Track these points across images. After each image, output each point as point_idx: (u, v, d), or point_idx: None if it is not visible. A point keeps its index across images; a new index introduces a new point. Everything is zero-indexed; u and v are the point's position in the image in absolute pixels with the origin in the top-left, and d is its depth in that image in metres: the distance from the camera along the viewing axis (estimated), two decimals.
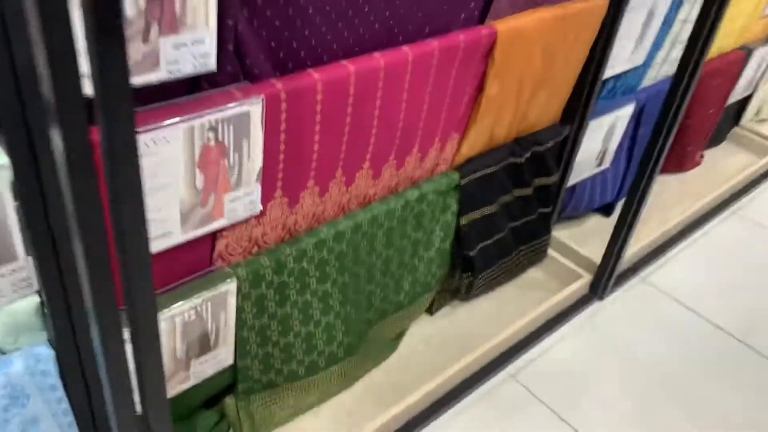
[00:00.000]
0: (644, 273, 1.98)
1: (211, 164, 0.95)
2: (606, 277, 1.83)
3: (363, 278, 1.38)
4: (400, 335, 1.60)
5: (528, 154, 1.60)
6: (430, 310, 1.69)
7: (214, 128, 0.92)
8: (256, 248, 1.16)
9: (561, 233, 1.95)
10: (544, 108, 1.59)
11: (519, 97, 1.47)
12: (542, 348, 1.69)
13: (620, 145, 1.96)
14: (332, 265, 1.27)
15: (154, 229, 0.95)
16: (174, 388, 1.15)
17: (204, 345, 1.15)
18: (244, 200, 1.04)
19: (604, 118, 1.78)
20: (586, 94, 1.63)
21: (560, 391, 1.57)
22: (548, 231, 1.82)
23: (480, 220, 1.55)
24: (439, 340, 1.65)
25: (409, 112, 1.22)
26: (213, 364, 1.19)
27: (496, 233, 1.63)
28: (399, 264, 1.45)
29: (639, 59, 1.75)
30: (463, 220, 1.52)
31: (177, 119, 0.88)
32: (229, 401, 1.30)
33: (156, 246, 0.97)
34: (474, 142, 1.47)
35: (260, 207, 1.07)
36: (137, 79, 0.79)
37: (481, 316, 1.73)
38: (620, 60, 1.66)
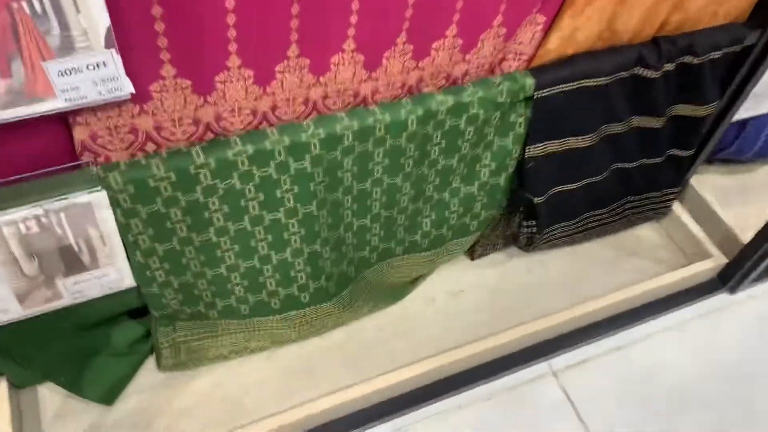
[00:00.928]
0: None
1: None
2: (751, 262, 1.23)
3: (348, 210, 0.95)
4: (414, 281, 1.18)
5: (671, 66, 1.00)
6: (471, 254, 1.23)
7: None
8: (152, 145, 0.76)
9: (701, 182, 1.34)
10: None
11: None
12: (614, 343, 1.19)
13: None
14: (286, 188, 0.85)
15: None
16: (36, 306, 0.84)
17: (73, 263, 0.81)
18: (90, 75, 0.63)
19: None
20: None
21: (616, 415, 1.10)
22: (679, 182, 1.23)
23: (560, 155, 1.02)
24: (470, 297, 1.21)
25: None
26: (99, 285, 0.87)
27: (587, 176, 1.10)
28: (414, 197, 0.99)
29: None
30: (531, 151, 1.00)
31: None
32: (154, 320, 0.99)
33: None
34: (572, 34, 0.90)
35: (129, 88, 0.65)
36: None
37: (542, 277, 1.25)
38: None
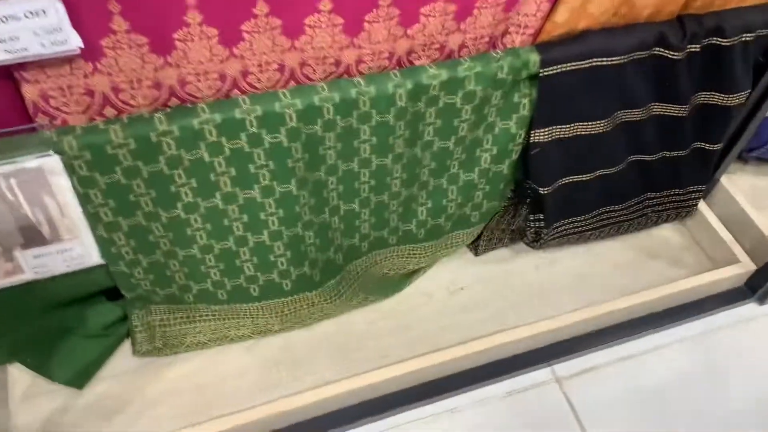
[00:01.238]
0: None
1: None
2: None
3: (333, 192, 0.88)
4: (411, 275, 1.11)
5: (695, 48, 0.91)
6: (475, 249, 1.15)
7: None
8: (112, 110, 0.70)
9: (733, 182, 1.23)
10: None
11: None
12: (626, 352, 1.10)
13: None
14: (261, 164, 0.79)
15: None
16: None
17: (32, 235, 0.76)
18: (30, 24, 0.58)
19: None
20: None
21: (624, 429, 1.01)
22: (705, 179, 1.13)
23: (569, 141, 0.94)
24: (471, 294, 1.13)
25: None
26: (62, 260, 0.82)
27: (599, 167, 1.01)
28: (408, 181, 0.92)
29: None
30: (537, 136, 0.92)
31: None
32: (128, 302, 0.94)
33: None
34: (582, 6, 0.82)
35: (76, 41, 0.60)
36: None
37: (551, 276, 1.16)
38: None
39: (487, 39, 0.81)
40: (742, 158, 1.31)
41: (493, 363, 1.05)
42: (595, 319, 1.08)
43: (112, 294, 0.96)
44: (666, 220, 1.20)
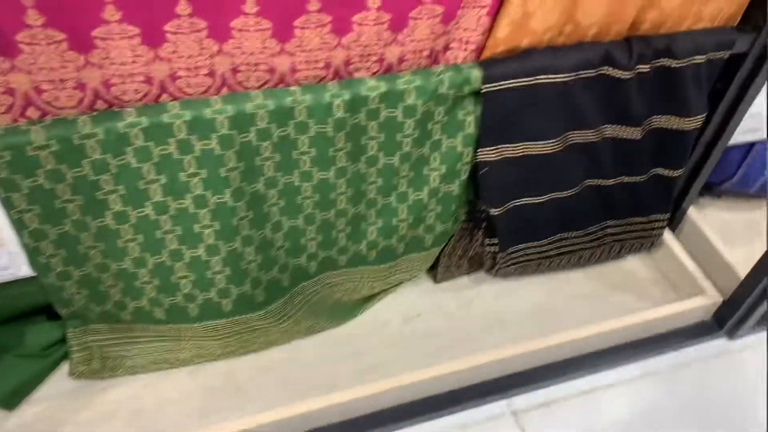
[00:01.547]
0: None
1: None
2: (751, 299, 1.08)
3: (274, 206, 0.86)
4: (366, 301, 1.07)
5: (645, 68, 0.90)
6: (434, 276, 1.12)
7: None
8: (36, 111, 0.69)
9: (704, 216, 1.21)
10: None
11: None
12: (586, 385, 1.05)
13: None
14: (192, 172, 0.77)
15: None
16: None
17: None
18: None
19: None
20: None
21: None
22: (667, 207, 1.11)
23: (518, 161, 0.92)
24: (427, 322, 1.09)
25: None
26: None
27: (553, 190, 0.99)
28: (354, 198, 0.90)
29: None
30: (484, 155, 0.90)
31: None
32: (64, 320, 0.91)
33: None
34: (524, 21, 0.81)
35: None
36: None
37: (511, 306, 1.13)
38: None
39: (427, 53, 0.81)
40: (713, 191, 1.29)
41: (447, 393, 1.00)
42: (553, 348, 1.04)
43: (56, 314, 0.93)
44: (630, 251, 1.17)
